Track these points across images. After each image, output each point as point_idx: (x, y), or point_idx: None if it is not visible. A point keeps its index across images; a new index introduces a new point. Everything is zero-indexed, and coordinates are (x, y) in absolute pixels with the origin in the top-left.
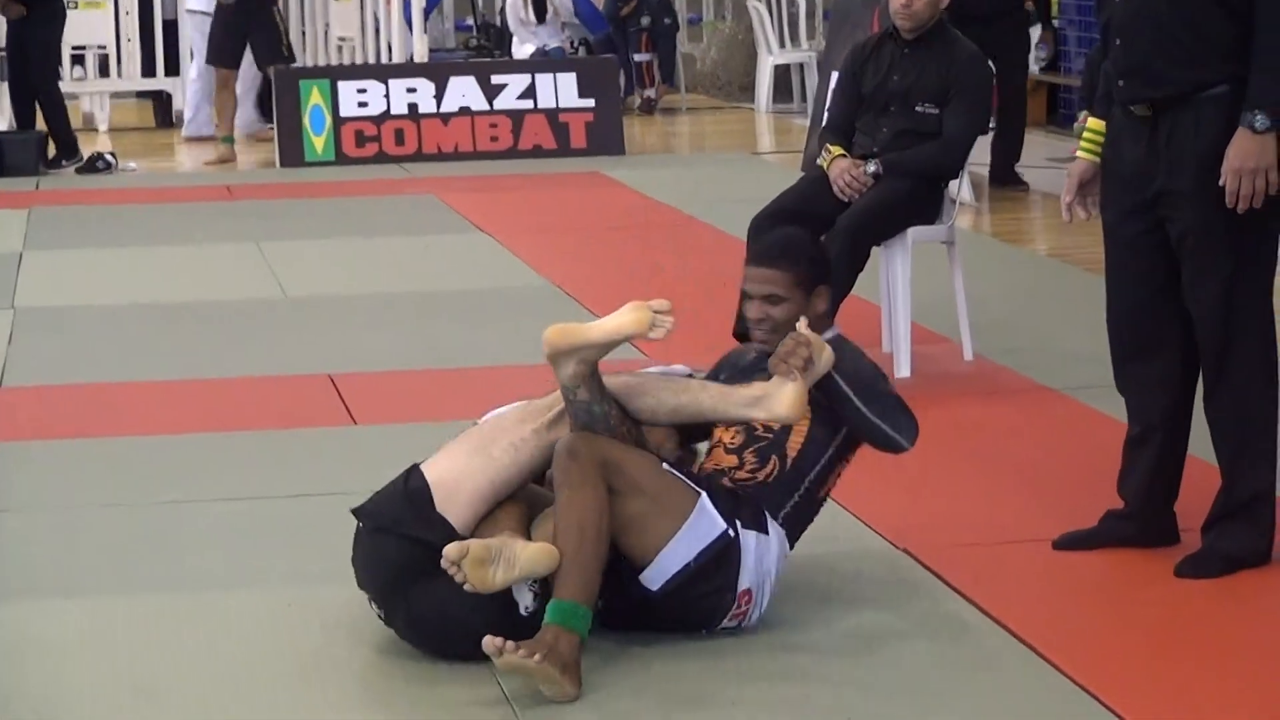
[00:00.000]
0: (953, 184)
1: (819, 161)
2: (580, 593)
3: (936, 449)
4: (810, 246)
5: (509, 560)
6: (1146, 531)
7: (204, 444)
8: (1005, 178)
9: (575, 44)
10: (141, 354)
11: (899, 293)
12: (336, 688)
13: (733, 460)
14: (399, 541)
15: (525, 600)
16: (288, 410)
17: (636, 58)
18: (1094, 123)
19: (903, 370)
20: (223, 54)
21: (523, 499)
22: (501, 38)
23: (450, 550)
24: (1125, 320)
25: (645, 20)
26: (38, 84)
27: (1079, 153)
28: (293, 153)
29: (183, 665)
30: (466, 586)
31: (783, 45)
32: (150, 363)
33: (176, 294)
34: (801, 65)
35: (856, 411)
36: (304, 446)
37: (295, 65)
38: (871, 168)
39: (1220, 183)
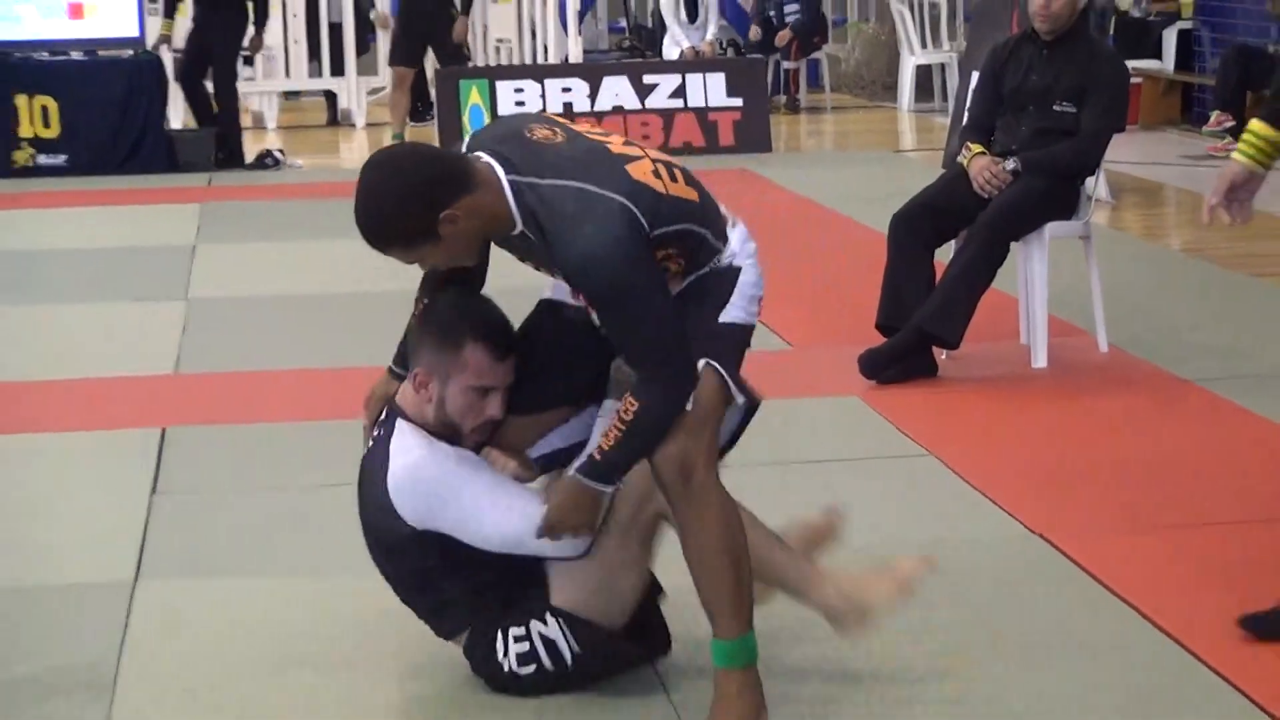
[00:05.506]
0: (1089, 180)
1: (959, 159)
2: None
3: (1073, 438)
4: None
5: None
6: None
7: (354, 429)
8: None
9: (724, 45)
10: (306, 343)
11: (1036, 286)
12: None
13: None
14: None
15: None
16: None
17: (785, 65)
18: (1258, 125)
19: (1039, 361)
20: (403, 54)
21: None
22: (653, 39)
23: None
24: None
25: (792, 13)
26: (217, 88)
27: (1235, 155)
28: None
29: (324, 645)
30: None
31: (924, 46)
32: (314, 351)
33: (340, 286)
34: (943, 65)
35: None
36: None
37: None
38: (1010, 165)
39: None
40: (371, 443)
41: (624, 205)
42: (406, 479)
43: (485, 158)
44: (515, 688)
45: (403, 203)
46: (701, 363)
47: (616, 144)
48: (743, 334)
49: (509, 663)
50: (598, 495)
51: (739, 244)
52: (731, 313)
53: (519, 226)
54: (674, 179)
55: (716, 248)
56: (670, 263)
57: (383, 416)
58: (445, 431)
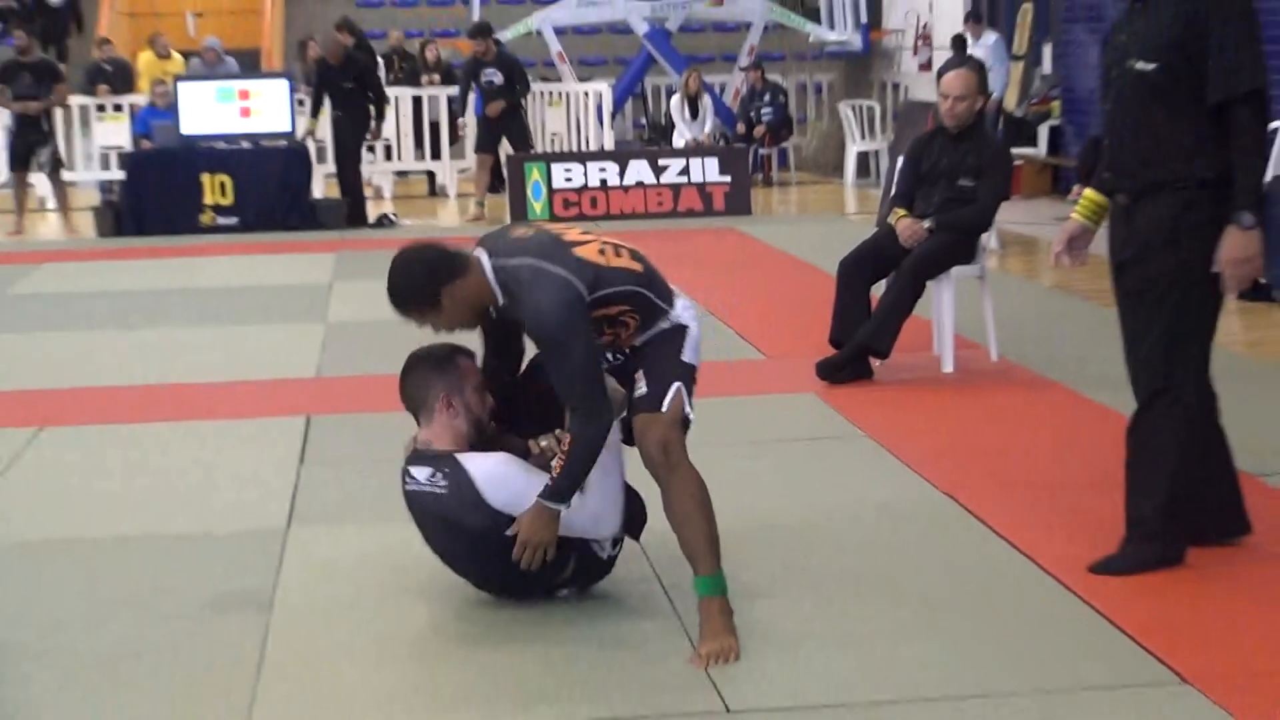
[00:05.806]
0: (984, 236)
1: (889, 220)
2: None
3: (973, 423)
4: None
5: None
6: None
7: None
8: None
9: (717, 136)
10: None
11: (945, 312)
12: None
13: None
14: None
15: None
16: None
17: (762, 152)
18: (1089, 193)
19: (947, 367)
20: (483, 143)
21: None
22: (665, 132)
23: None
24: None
25: (766, 114)
26: (345, 166)
27: (1073, 214)
28: (519, 214)
29: (438, 576)
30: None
31: (864, 138)
32: None
33: None
34: (877, 152)
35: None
36: None
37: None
38: (927, 224)
39: (1214, 269)
40: (445, 486)
41: (567, 279)
42: (495, 477)
43: (478, 252)
44: (615, 561)
45: (416, 278)
46: (676, 384)
47: (572, 234)
48: (694, 372)
49: (608, 551)
50: (556, 513)
51: (681, 309)
52: (686, 354)
53: (500, 298)
54: (618, 255)
55: (664, 308)
56: (626, 317)
57: (429, 470)
58: (477, 431)
